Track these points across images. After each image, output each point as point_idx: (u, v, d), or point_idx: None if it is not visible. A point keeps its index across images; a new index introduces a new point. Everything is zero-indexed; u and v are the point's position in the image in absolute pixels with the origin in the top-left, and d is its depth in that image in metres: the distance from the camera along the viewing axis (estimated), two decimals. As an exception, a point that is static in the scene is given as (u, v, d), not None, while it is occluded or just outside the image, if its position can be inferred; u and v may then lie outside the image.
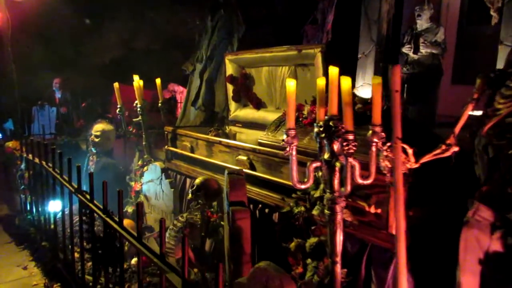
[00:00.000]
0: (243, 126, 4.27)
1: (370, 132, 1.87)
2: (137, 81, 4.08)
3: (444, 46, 5.22)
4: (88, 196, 2.55)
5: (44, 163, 3.52)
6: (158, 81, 4.22)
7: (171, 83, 10.55)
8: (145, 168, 3.87)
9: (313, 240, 2.23)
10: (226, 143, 3.29)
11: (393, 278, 2.18)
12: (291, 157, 1.92)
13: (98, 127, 4.31)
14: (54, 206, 3.51)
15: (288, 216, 2.52)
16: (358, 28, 5.87)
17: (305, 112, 2.80)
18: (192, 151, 3.70)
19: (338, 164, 1.84)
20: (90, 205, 2.43)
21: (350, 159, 1.73)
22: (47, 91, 9.41)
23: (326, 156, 1.90)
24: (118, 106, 4.17)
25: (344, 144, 1.72)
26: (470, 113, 1.84)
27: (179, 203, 3.47)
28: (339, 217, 1.93)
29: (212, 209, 3.09)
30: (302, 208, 2.42)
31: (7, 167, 4.71)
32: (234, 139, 4.25)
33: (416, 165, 1.69)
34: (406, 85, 5.29)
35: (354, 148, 1.72)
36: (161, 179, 3.45)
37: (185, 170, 3.79)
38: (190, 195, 2.76)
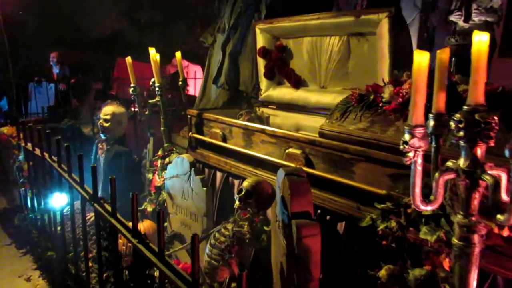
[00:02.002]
0: (277, 108, 3.64)
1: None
2: (154, 55, 3.41)
3: (501, 13, 4.52)
4: (108, 208, 1.94)
5: (47, 155, 2.91)
6: (178, 55, 3.58)
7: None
8: (167, 159, 3.26)
9: (419, 272, 1.65)
10: (271, 132, 2.66)
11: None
12: (415, 166, 1.31)
13: (108, 110, 3.65)
14: (60, 205, 2.92)
15: (369, 231, 1.93)
16: (399, -7, 5.14)
17: (386, 95, 2.16)
18: (225, 139, 3.08)
19: (488, 179, 1.24)
20: (113, 221, 1.83)
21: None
22: (44, 66, 8.73)
23: (463, 164, 1.30)
24: (132, 85, 3.52)
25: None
26: None
27: (212, 203, 2.87)
28: (477, 250, 1.35)
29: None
30: (393, 224, 1.83)
31: (3, 156, 4.08)
32: (268, 123, 3.63)
33: None
34: (454, 59, 4.63)
35: (538, 158, 1.12)
36: (190, 175, 2.83)
37: (215, 162, 3.18)
38: (237, 203, 2.16)
